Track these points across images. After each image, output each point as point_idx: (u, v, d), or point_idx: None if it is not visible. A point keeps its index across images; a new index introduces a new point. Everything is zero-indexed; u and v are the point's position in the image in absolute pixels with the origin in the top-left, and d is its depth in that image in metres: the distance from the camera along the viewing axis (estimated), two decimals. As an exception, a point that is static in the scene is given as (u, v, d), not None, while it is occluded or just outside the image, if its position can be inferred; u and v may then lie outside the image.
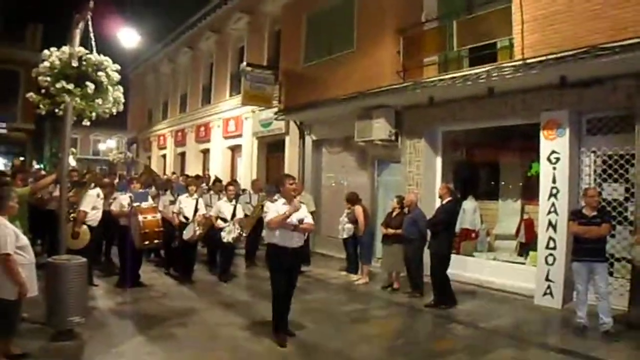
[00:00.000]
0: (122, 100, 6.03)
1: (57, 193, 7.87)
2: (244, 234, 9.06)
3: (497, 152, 9.83)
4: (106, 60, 5.69)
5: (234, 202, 9.30)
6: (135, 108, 27.27)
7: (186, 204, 9.15)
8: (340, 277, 9.83)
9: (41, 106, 5.71)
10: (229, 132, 17.73)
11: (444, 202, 7.80)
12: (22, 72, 22.50)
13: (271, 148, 15.80)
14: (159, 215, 7.97)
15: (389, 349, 5.93)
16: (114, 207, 8.41)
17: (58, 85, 5.45)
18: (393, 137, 10.25)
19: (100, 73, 5.61)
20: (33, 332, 5.74)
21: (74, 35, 5.76)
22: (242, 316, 6.95)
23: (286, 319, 5.96)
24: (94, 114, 5.88)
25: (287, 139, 14.28)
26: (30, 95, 5.70)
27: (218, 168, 17.76)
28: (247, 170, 16.12)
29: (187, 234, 8.87)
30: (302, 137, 13.58)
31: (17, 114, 23.67)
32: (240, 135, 16.99)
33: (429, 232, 8.00)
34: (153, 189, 10.14)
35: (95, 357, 5.30)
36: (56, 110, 5.83)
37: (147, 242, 7.75)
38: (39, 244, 9.98)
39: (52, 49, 5.56)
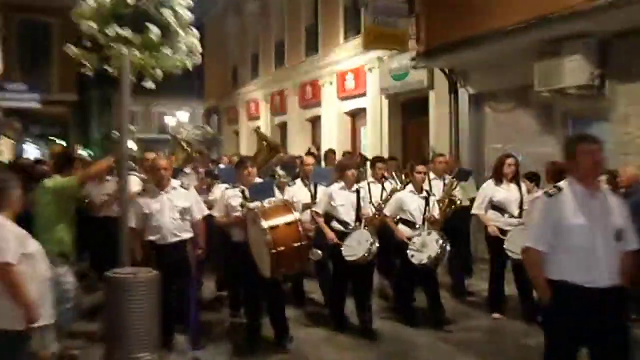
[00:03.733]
0: (199, 48, 5.85)
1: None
2: (448, 247, 7.40)
3: None
4: (171, -7, 5.59)
5: (425, 193, 7.80)
6: (213, 66, 27.15)
7: (341, 199, 7.40)
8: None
9: (86, 64, 5.64)
10: (347, 90, 17.17)
11: None
12: (56, 24, 22.24)
13: (409, 110, 15.11)
14: (297, 216, 6.29)
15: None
16: (217, 212, 7.08)
17: (109, 32, 5.29)
18: (596, 82, 9.42)
19: (165, 11, 5.43)
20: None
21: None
22: None
23: None
24: (159, 71, 5.67)
25: (432, 95, 13.57)
26: (71, 49, 5.57)
27: (333, 141, 17.24)
28: (375, 143, 15.47)
29: (354, 252, 7.10)
30: (453, 91, 12.82)
31: (53, 81, 23.16)
32: (362, 94, 16.36)
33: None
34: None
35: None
36: (107, 69, 5.72)
37: (283, 268, 6.29)
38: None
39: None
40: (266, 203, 6.38)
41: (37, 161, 13.56)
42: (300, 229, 6.12)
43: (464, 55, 11.41)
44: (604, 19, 8.50)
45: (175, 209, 6.50)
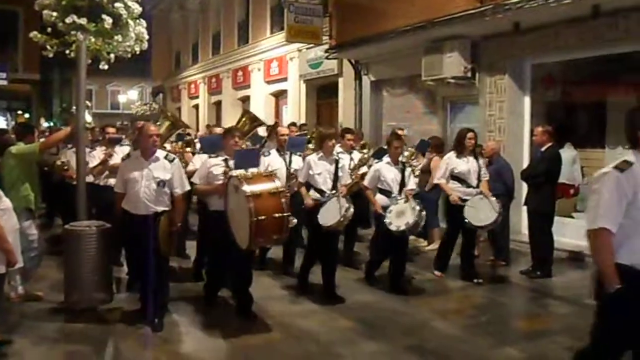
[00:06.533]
0: (146, 36, 6.00)
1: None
2: (424, 213, 6.69)
3: (603, 88, 9.26)
4: (124, -11, 5.59)
5: (401, 164, 7.03)
6: (159, 52, 27.74)
7: (319, 168, 6.62)
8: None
9: (48, 47, 5.75)
10: (272, 75, 17.80)
11: (544, 148, 7.54)
12: (21, 12, 22.03)
13: (322, 92, 15.83)
14: (278, 184, 5.35)
15: (470, 327, 5.75)
16: (198, 180, 6.04)
17: (68, 20, 5.45)
18: (469, 74, 10.05)
19: (117, 4, 5.60)
20: (48, 313, 5.83)
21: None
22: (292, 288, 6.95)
23: None
24: (112, 55, 5.91)
25: (341, 81, 14.28)
26: (35, 34, 5.76)
27: (260, 117, 17.35)
28: (295, 119, 15.58)
29: (328, 218, 6.40)
30: (358, 78, 13.54)
31: (19, 62, 23.11)
32: (284, 79, 17.02)
33: (523, 186, 7.75)
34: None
35: (121, 339, 5.25)
36: (66, 52, 5.87)
37: (262, 239, 5.26)
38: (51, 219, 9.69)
39: (57, -24, 5.45)
40: (250, 172, 5.43)
41: (2, 131, 13.47)
42: (283, 200, 5.21)
43: (366, 49, 12.01)
44: (475, 24, 9.14)
45: (153, 179, 5.48)
